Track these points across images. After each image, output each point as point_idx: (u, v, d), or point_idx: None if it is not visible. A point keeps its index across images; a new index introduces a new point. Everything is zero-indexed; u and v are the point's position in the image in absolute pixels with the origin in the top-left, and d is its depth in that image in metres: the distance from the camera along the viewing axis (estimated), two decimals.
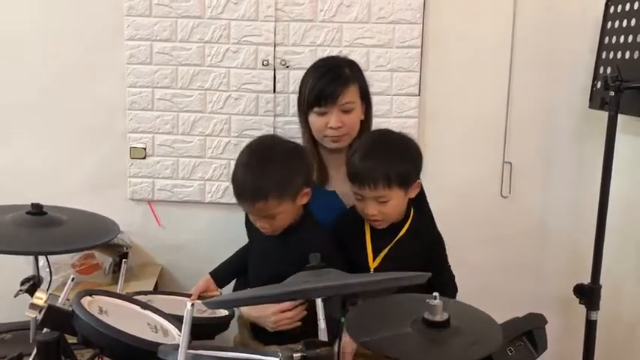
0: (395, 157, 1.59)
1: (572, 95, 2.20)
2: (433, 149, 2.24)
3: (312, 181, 1.67)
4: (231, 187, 2.29)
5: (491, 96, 2.23)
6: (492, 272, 2.27)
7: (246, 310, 1.66)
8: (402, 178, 1.58)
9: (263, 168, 1.55)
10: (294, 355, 0.90)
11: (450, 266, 1.77)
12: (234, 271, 1.87)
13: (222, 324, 1.59)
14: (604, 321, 2.04)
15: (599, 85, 2.06)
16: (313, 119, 1.79)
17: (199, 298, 1.73)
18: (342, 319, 1.04)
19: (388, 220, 1.63)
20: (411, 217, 1.67)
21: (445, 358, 1.02)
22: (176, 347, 1.01)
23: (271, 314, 1.55)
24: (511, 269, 2.30)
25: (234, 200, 2.29)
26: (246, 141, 2.14)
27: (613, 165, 1.93)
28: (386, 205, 1.58)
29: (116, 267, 2.13)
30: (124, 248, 2.17)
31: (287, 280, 0.98)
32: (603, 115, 1.95)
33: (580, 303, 2.01)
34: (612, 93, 1.86)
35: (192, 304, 0.97)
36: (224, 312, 1.61)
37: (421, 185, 1.79)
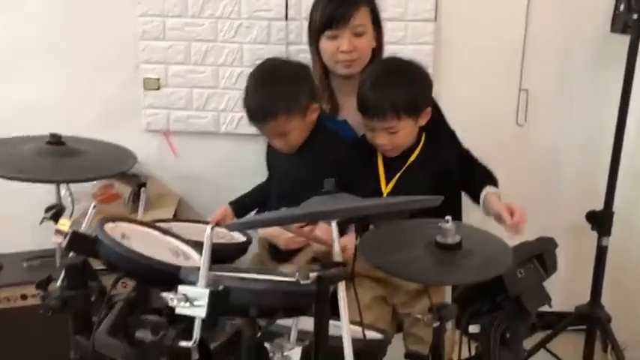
0: (403, 87, 1.58)
1: (593, 19, 2.14)
2: (449, 76, 2.21)
3: (319, 96, 1.73)
4: (245, 117, 2.31)
5: (508, 21, 2.17)
6: (506, 199, 2.28)
7: (260, 231, 1.74)
8: (411, 107, 1.58)
9: (269, 88, 1.63)
10: (311, 274, 0.93)
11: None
12: (252, 203, 1.93)
13: (240, 249, 1.63)
14: (615, 247, 2.07)
15: (622, 7, 2.00)
16: (324, 45, 1.77)
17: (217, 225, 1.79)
18: (357, 242, 1.08)
19: (399, 149, 1.65)
20: (422, 143, 1.67)
21: (456, 279, 1.05)
22: (197, 269, 1.05)
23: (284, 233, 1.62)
24: (524, 196, 2.28)
25: (248, 131, 2.31)
26: None
27: (632, 90, 1.90)
28: (396, 135, 1.60)
29: (135, 197, 2.17)
30: (142, 178, 2.20)
31: (302, 204, 1.00)
32: (625, 40, 1.90)
33: (592, 229, 2.04)
34: (635, 15, 1.81)
35: (212, 227, 1.00)
36: (242, 237, 1.65)
37: (438, 109, 1.77)
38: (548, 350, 2.09)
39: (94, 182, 2.14)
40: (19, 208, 2.23)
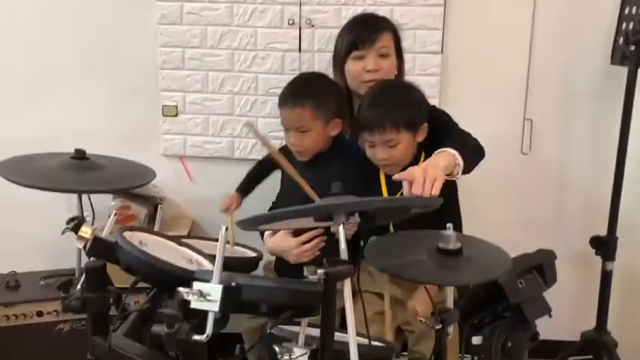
0: (400, 102, 1.67)
1: (594, 52, 2.22)
2: (455, 106, 2.27)
3: (344, 116, 1.81)
4: (258, 143, 2.38)
5: (512, 53, 2.26)
6: (511, 226, 2.33)
7: (269, 245, 1.77)
8: (409, 121, 1.66)
9: (307, 83, 1.84)
10: (318, 270, 0.99)
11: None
12: (257, 176, 2.06)
13: (251, 264, 1.69)
14: (620, 272, 2.09)
15: (620, 40, 2.09)
16: (350, 66, 1.85)
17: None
18: (363, 243, 1.13)
19: (398, 165, 1.69)
20: (421, 161, 1.71)
21: (455, 280, 1.10)
22: (211, 272, 1.11)
23: (294, 246, 1.67)
24: (529, 224, 2.36)
25: (261, 156, 2.39)
26: (272, 99, 2.24)
27: (632, 119, 1.96)
28: (395, 149, 1.66)
29: (151, 218, 2.24)
30: (158, 199, 2.28)
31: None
32: (624, 71, 1.98)
33: (596, 254, 2.07)
34: (633, 47, 1.89)
35: (227, 228, 1.07)
36: (253, 253, 1.71)
37: (445, 114, 1.84)
38: None
39: (112, 202, 2.22)
40: (37, 228, 2.31)
